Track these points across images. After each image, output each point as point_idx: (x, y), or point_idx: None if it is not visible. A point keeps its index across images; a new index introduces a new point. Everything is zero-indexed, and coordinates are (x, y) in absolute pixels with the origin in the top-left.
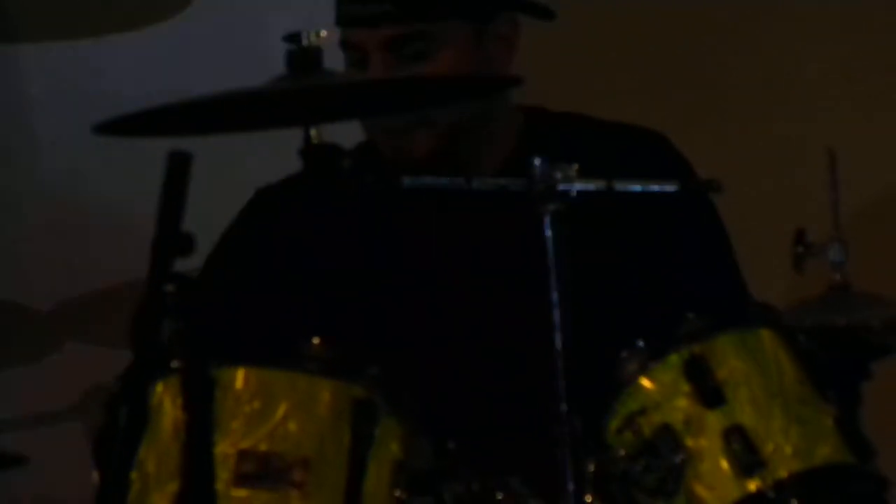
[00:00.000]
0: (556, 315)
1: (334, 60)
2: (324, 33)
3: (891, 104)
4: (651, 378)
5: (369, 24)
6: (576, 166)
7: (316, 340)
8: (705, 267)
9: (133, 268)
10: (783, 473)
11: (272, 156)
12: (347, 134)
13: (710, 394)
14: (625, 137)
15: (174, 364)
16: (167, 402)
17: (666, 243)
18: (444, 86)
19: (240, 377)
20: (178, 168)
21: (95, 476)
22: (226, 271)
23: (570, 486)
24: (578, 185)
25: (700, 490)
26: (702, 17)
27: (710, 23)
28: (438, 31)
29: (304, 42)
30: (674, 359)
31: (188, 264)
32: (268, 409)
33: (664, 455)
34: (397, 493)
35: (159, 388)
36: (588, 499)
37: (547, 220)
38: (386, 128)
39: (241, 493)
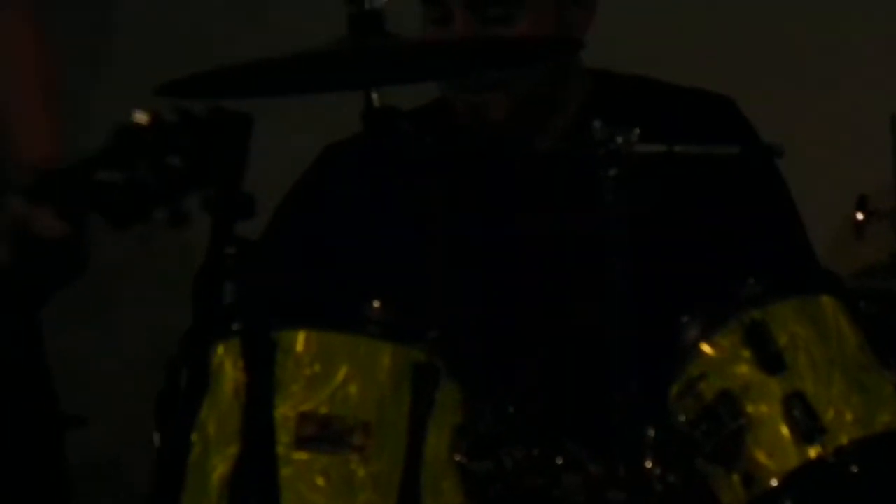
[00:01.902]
0: (617, 280)
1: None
2: None
3: None
4: (712, 344)
5: None
6: (637, 130)
7: (377, 303)
8: (768, 232)
9: (194, 230)
10: (843, 440)
11: (333, 118)
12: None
13: (770, 360)
14: (691, 101)
15: (235, 326)
16: (228, 364)
17: (728, 208)
18: (506, 50)
19: (300, 340)
20: (239, 129)
21: (157, 438)
22: (289, 231)
23: (629, 452)
24: (639, 149)
25: (760, 456)
26: None
27: None
28: None
29: (367, 4)
30: (734, 324)
31: (249, 227)
32: (328, 372)
33: (724, 421)
34: (457, 458)
35: (220, 350)
36: (647, 464)
37: (607, 183)
38: (464, 88)
39: (302, 455)
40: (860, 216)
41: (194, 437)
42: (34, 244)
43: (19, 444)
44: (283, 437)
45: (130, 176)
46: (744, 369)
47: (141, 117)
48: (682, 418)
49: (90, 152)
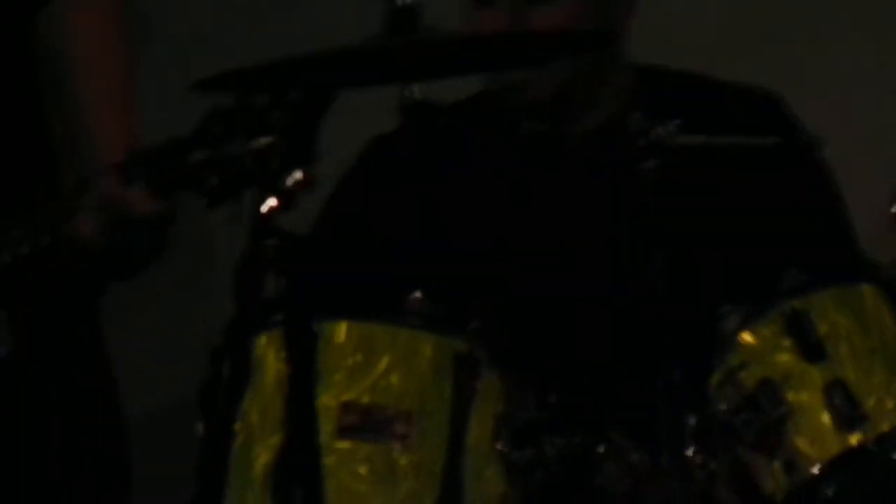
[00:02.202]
0: (657, 270)
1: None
2: None
3: None
4: (752, 333)
5: None
6: (676, 122)
7: (418, 295)
8: (810, 222)
9: (236, 225)
10: (885, 427)
11: (367, 114)
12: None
13: (811, 349)
14: (736, 96)
15: (277, 317)
16: (270, 354)
17: (770, 199)
18: (542, 43)
19: (342, 331)
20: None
21: (200, 428)
22: (335, 223)
23: (671, 440)
24: (679, 140)
25: (801, 444)
26: None
27: None
28: None
29: (400, 1)
30: (775, 314)
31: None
32: (370, 362)
33: (765, 409)
34: (499, 447)
35: (263, 341)
36: (689, 452)
37: (646, 175)
38: (506, 75)
39: (344, 444)
40: (895, 209)
41: (237, 426)
42: (126, 222)
43: (85, 427)
44: (326, 427)
45: (222, 154)
46: (785, 358)
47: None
48: (723, 407)
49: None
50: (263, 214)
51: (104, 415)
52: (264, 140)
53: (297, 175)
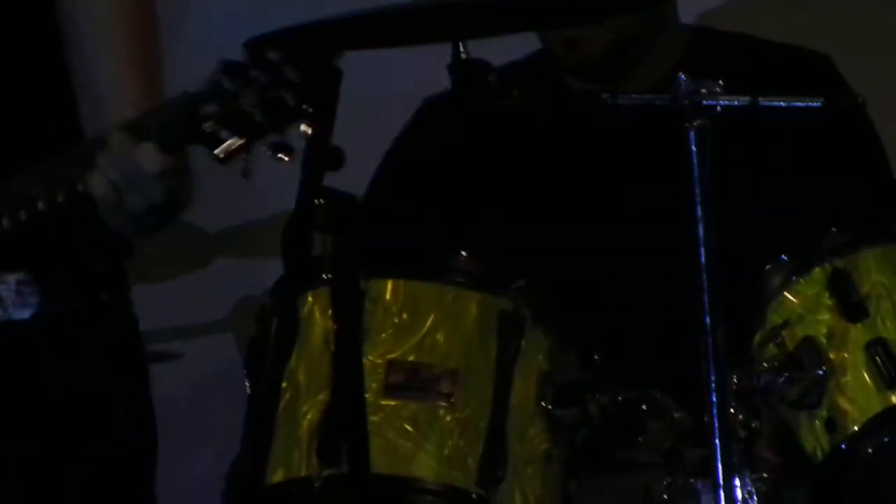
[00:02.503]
0: (701, 229)
1: None
2: None
3: None
4: (795, 292)
5: None
6: (720, 82)
7: (464, 253)
8: (853, 181)
9: (281, 184)
10: None
11: (421, 72)
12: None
13: (853, 308)
14: (787, 58)
15: (324, 275)
16: (317, 313)
17: (814, 159)
18: (594, 2)
19: (389, 289)
20: (329, 82)
21: (248, 385)
22: (385, 186)
23: (714, 398)
24: (723, 101)
25: (842, 402)
26: None
27: None
28: None
29: None
30: (818, 273)
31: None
32: (416, 320)
33: (807, 368)
34: (543, 404)
35: (310, 299)
36: (731, 410)
37: (692, 134)
38: (550, 41)
39: (390, 402)
40: None
41: (284, 384)
42: (137, 179)
43: (108, 384)
44: (372, 385)
45: (233, 108)
46: (826, 317)
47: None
48: (765, 365)
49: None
50: (314, 174)
51: (128, 376)
52: (275, 93)
53: (303, 128)
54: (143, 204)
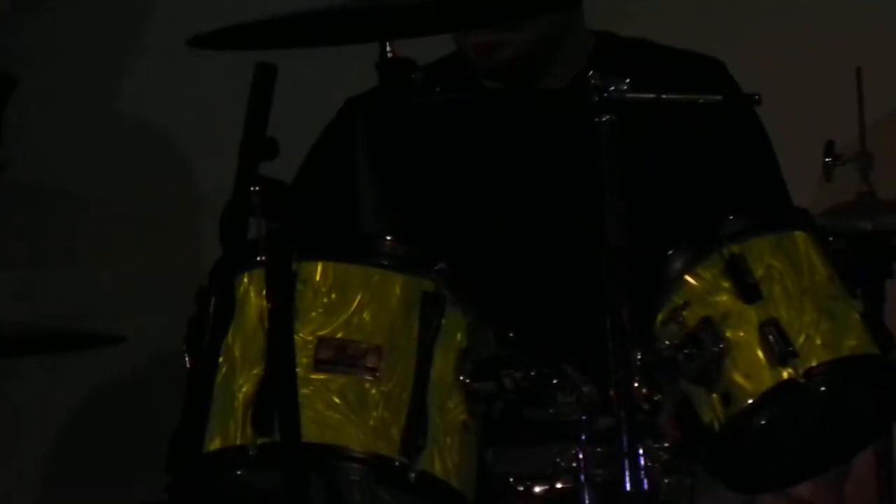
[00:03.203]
0: (609, 216)
1: None
2: None
3: None
4: (694, 275)
5: None
6: (628, 79)
7: (389, 238)
8: (747, 174)
9: (219, 172)
10: (813, 363)
11: (348, 70)
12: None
13: (748, 290)
14: (683, 61)
15: (259, 258)
16: (252, 293)
17: (712, 152)
18: (509, 3)
19: (319, 270)
20: (264, 78)
21: (187, 360)
22: (315, 174)
23: (619, 374)
24: (630, 96)
25: (737, 378)
26: None
27: None
28: None
29: None
30: (716, 257)
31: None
32: (344, 300)
33: (705, 346)
34: (462, 379)
35: (245, 280)
36: (635, 385)
37: (601, 128)
38: (474, 31)
39: (320, 376)
40: (828, 160)
41: (221, 359)
42: None
43: None
44: (303, 360)
45: None
46: (723, 298)
47: None
48: (667, 343)
49: None
50: (247, 163)
51: None
52: None
53: None
54: None
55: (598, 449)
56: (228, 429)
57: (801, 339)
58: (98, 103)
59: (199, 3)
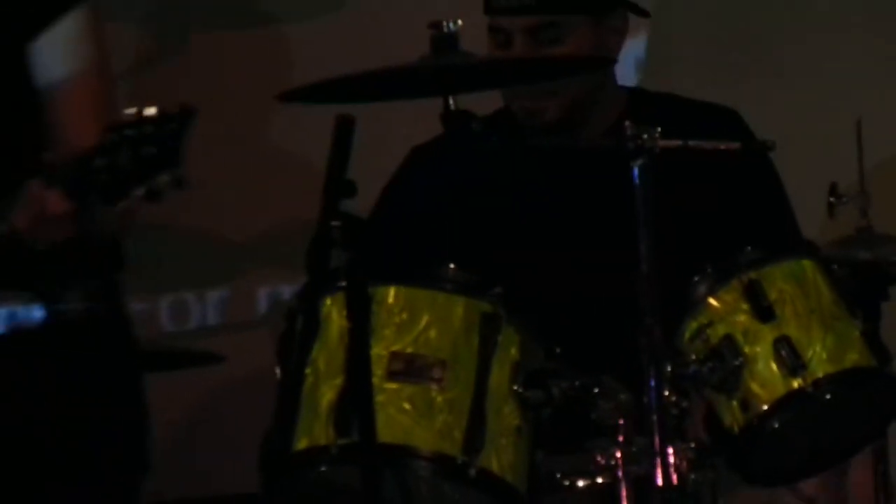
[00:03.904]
0: (643, 247)
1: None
2: (460, 23)
3: None
4: (717, 298)
5: (515, 13)
6: (658, 128)
7: (452, 266)
8: (762, 210)
9: (308, 208)
10: (820, 374)
11: (418, 120)
12: (485, 103)
13: (763, 311)
14: (704, 112)
15: (340, 283)
16: (334, 313)
17: (731, 191)
18: (554, 65)
19: (391, 294)
20: (344, 127)
21: (278, 372)
22: (387, 210)
23: (652, 383)
24: (660, 143)
25: (754, 387)
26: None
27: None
28: (566, 21)
29: (445, 29)
30: (735, 283)
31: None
32: (413, 319)
33: (726, 359)
34: (515, 387)
35: (328, 302)
36: (666, 393)
37: (635, 171)
38: (521, 97)
39: (392, 385)
40: (832, 199)
41: (308, 371)
42: (46, 219)
43: (102, 385)
44: (378, 371)
45: (112, 162)
46: (742, 318)
47: (133, 111)
48: (693, 357)
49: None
50: (330, 201)
51: (118, 369)
52: (147, 151)
53: (165, 178)
54: (49, 239)
55: (634, 449)
56: (314, 431)
57: (810, 353)
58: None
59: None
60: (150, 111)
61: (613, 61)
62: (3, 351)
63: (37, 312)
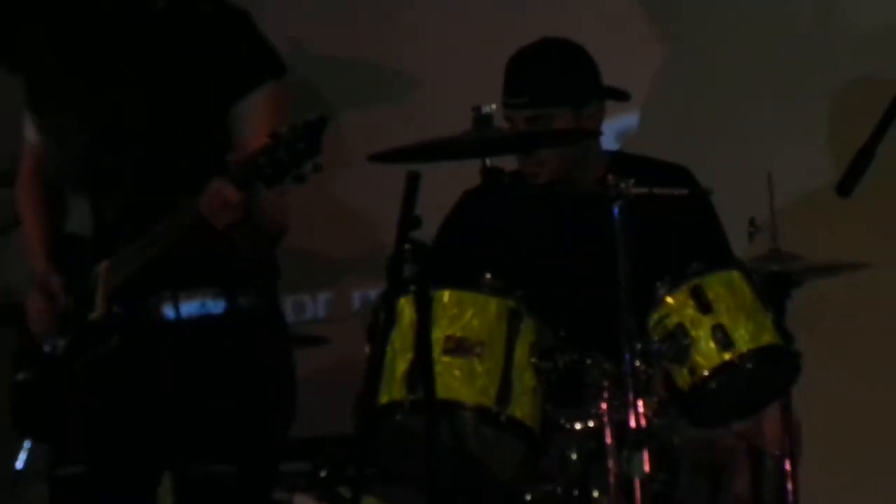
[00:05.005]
0: (621, 264)
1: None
2: (493, 107)
3: (809, 138)
4: (672, 297)
5: (517, 109)
6: (632, 180)
7: (488, 275)
8: (705, 236)
9: (388, 236)
10: (744, 350)
11: (464, 172)
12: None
13: (704, 306)
14: (665, 169)
15: (410, 288)
16: (407, 309)
17: (683, 223)
18: (550, 136)
19: (446, 295)
20: (413, 180)
21: (367, 350)
22: (443, 241)
23: (627, 357)
24: (634, 190)
25: (698, 359)
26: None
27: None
28: (554, 113)
29: (483, 111)
30: (685, 287)
31: (420, 234)
32: (461, 313)
33: (678, 340)
34: (533, 360)
35: (402, 301)
36: (637, 363)
37: (616, 210)
38: (524, 164)
39: (446, 359)
40: (751, 229)
41: (388, 349)
42: (226, 207)
43: (268, 361)
44: (436, 349)
45: (272, 158)
46: (690, 311)
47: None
48: (656, 338)
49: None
50: (403, 231)
51: (275, 352)
52: (297, 146)
53: (309, 165)
54: (226, 220)
55: (615, 402)
56: (392, 390)
57: (736, 335)
58: None
59: None
60: (299, 122)
61: (587, 135)
62: (193, 333)
63: (220, 304)
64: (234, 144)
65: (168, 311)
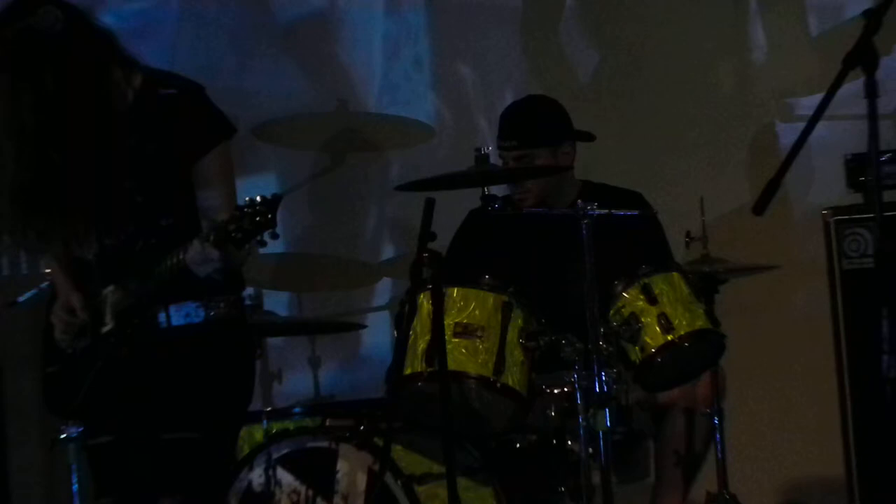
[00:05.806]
0: (588, 268)
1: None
2: (490, 148)
3: (731, 172)
4: (627, 293)
5: (508, 150)
6: (596, 204)
7: (487, 276)
8: (653, 247)
9: (410, 248)
10: (682, 332)
11: (468, 198)
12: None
13: (651, 299)
14: (623, 193)
15: (428, 286)
16: (425, 301)
17: (636, 237)
18: (533, 171)
19: (455, 292)
20: (430, 204)
21: (394, 333)
22: (453, 250)
23: (594, 337)
24: (597, 211)
25: (647, 339)
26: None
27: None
28: (535, 152)
29: (483, 151)
30: (637, 284)
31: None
32: (466, 305)
33: (632, 325)
34: (521, 340)
35: (422, 296)
36: (601, 343)
37: (583, 226)
38: (515, 192)
39: (456, 340)
40: (687, 239)
41: (411, 332)
42: (203, 258)
43: (227, 357)
44: (447, 333)
45: (240, 226)
46: (640, 303)
47: (248, 200)
48: (615, 324)
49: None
50: (422, 243)
51: (239, 354)
52: (258, 219)
53: (267, 233)
54: (208, 270)
55: (584, 372)
56: (414, 364)
57: (676, 322)
58: None
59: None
60: (258, 198)
61: (562, 169)
62: (179, 336)
63: (200, 314)
64: (196, 195)
65: (161, 320)
